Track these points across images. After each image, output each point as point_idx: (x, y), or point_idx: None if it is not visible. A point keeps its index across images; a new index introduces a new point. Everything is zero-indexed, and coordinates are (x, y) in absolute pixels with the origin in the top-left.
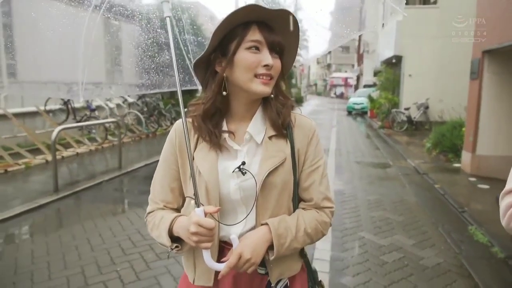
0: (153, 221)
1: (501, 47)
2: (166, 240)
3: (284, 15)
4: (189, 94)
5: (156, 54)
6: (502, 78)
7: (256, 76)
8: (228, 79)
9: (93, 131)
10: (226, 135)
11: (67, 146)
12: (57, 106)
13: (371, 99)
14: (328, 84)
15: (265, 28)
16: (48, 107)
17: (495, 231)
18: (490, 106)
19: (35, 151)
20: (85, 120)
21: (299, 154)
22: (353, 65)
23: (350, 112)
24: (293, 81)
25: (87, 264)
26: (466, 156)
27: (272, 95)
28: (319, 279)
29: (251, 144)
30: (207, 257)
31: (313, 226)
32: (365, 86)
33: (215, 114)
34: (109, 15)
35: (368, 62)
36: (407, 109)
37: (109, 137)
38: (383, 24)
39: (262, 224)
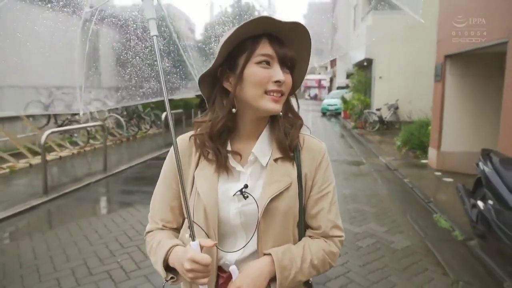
0: (151, 244)
1: (460, 52)
2: (162, 271)
3: (297, 28)
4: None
5: (155, 63)
6: (463, 80)
7: (266, 92)
8: (235, 95)
9: (75, 134)
10: (230, 156)
11: (49, 150)
12: (38, 111)
13: (344, 100)
14: (302, 86)
15: (275, 42)
16: (28, 112)
17: (456, 218)
18: (452, 106)
19: (17, 155)
20: (67, 124)
21: (306, 179)
22: (326, 67)
23: (324, 113)
24: None
25: (89, 257)
26: (432, 152)
27: (281, 113)
28: None
29: (256, 166)
30: None
31: (320, 257)
32: (338, 88)
33: (223, 133)
34: (95, 22)
35: (341, 65)
36: (378, 109)
37: (90, 141)
38: (354, 27)
39: (264, 254)
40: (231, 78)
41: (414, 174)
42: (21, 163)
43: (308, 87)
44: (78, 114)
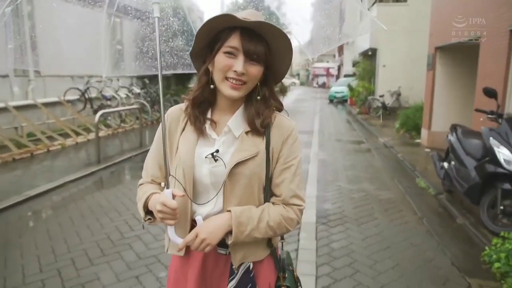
0: (139, 194)
1: (447, 44)
2: (142, 213)
3: (264, 25)
4: (182, 85)
5: (170, 40)
6: (450, 69)
7: (227, 78)
8: (213, 74)
9: (109, 118)
10: (207, 124)
11: (88, 130)
12: (76, 97)
13: (350, 88)
14: (310, 74)
15: (247, 35)
16: (67, 98)
17: (433, 180)
18: (441, 92)
19: (63, 135)
20: (101, 108)
21: (273, 152)
22: (334, 56)
23: (331, 100)
24: None
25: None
26: (424, 132)
27: (259, 97)
28: (292, 268)
29: (229, 137)
30: (171, 232)
31: (277, 221)
32: (345, 76)
33: (203, 103)
34: (115, 13)
35: (348, 53)
36: (381, 96)
37: (121, 124)
38: (360, 18)
39: (228, 211)
40: (209, 60)
41: (407, 151)
42: (68, 141)
43: (317, 75)
44: (110, 99)
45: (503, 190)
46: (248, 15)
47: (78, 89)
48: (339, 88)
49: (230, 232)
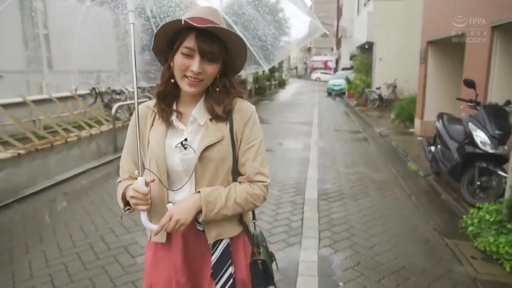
0: (118, 189)
1: (438, 39)
2: (121, 204)
3: (217, 30)
4: None
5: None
6: (441, 63)
7: (185, 76)
8: (173, 70)
9: (119, 111)
10: (174, 116)
11: (100, 123)
12: (86, 91)
13: (348, 80)
14: (308, 67)
15: (203, 36)
16: (78, 92)
17: (422, 164)
18: (433, 84)
19: (77, 127)
20: (112, 102)
21: (237, 134)
22: (332, 49)
23: (329, 93)
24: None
25: None
26: (417, 122)
27: (217, 89)
28: (265, 244)
29: (195, 125)
30: (144, 218)
31: (243, 197)
32: (343, 69)
33: (167, 96)
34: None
35: (346, 47)
36: (378, 88)
37: (130, 117)
38: (358, 12)
39: (198, 192)
40: (169, 57)
41: (401, 139)
42: (83, 133)
43: (315, 68)
44: (119, 93)
45: (480, 168)
46: (205, 13)
47: (88, 83)
48: (337, 81)
49: (200, 212)
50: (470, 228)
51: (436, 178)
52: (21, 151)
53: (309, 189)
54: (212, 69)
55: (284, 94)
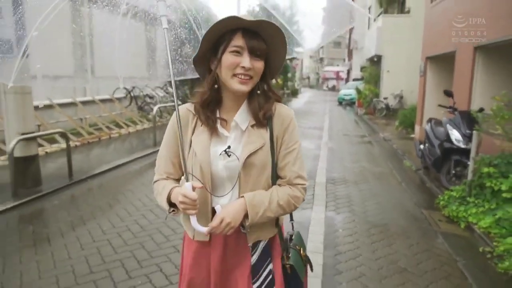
0: (157, 189)
1: (435, 55)
2: (165, 206)
3: (264, 24)
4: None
5: (179, 49)
6: (438, 76)
7: (235, 75)
8: (217, 75)
9: (151, 112)
10: (218, 123)
11: (135, 123)
12: (122, 95)
13: (358, 91)
14: (320, 77)
15: (249, 35)
16: (115, 96)
17: (416, 163)
18: (431, 94)
19: (116, 126)
20: (145, 105)
21: (277, 139)
22: (344, 59)
23: (340, 102)
24: (289, 75)
25: None
26: (416, 128)
27: (258, 91)
28: (299, 247)
29: (237, 131)
30: (193, 220)
31: (285, 199)
32: (354, 80)
33: (211, 103)
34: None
35: (357, 58)
36: (385, 98)
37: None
38: (368, 26)
39: (241, 197)
40: (215, 62)
41: (401, 143)
42: (123, 131)
43: (327, 79)
44: (152, 97)
45: (455, 160)
46: (244, 15)
47: (125, 88)
48: (348, 91)
49: (246, 216)
50: (441, 203)
51: (425, 172)
52: (77, 143)
53: (319, 175)
54: (260, 65)
55: (296, 103)
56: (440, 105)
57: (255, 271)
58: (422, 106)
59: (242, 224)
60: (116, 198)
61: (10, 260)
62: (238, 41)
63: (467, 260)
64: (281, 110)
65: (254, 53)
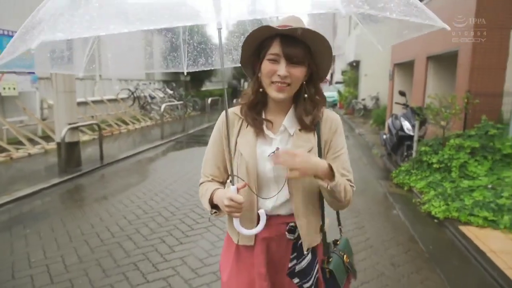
0: (201, 191)
1: (401, 62)
2: (208, 207)
3: (299, 30)
4: (195, 89)
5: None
6: (404, 80)
7: (272, 82)
8: (261, 79)
9: (152, 112)
10: (264, 125)
11: (140, 120)
12: (125, 95)
13: (339, 93)
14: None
15: (285, 42)
16: (120, 96)
17: (382, 151)
18: (398, 96)
19: (122, 122)
20: (147, 105)
21: (325, 144)
22: None
23: None
24: None
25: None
26: (386, 125)
27: (306, 95)
28: (343, 254)
29: (284, 135)
30: (237, 223)
31: (348, 188)
32: (336, 83)
33: (257, 105)
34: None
35: (339, 63)
36: (363, 100)
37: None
38: (348, 33)
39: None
40: (258, 66)
41: (373, 137)
42: (130, 127)
43: None
44: (154, 98)
45: (407, 145)
46: (288, 21)
47: (129, 89)
48: (330, 93)
49: (321, 179)
50: (394, 175)
51: (388, 157)
52: (95, 136)
53: None
54: (298, 72)
55: None
56: (396, 103)
57: (306, 272)
58: (391, 106)
59: (291, 229)
60: (139, 177)
61: (57, 221)
62: (275, 48)
63: (403, 205)
64: (328, 114)
65: (291, 60)
